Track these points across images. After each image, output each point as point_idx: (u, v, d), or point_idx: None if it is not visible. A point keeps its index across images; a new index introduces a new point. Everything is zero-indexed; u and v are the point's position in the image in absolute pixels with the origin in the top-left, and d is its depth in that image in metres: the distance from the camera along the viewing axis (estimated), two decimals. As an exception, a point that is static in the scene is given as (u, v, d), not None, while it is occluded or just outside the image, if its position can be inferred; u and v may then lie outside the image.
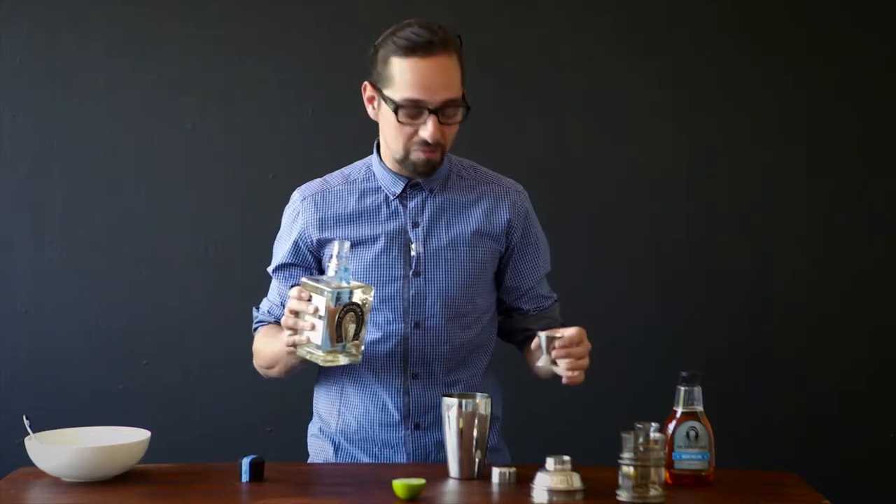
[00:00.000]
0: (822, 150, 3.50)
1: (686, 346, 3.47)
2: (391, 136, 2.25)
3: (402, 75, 2.17)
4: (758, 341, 3.50)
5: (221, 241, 3.46)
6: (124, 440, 2.10)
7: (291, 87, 3.46)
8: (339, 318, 2.02)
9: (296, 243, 2.33)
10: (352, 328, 2.04)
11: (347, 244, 2.07)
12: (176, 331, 3.45)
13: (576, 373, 2.12)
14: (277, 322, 2.34)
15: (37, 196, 3.44)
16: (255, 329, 2.41)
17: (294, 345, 2.07)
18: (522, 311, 2.37)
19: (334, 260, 2.06)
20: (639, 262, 3.49)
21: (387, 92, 2.20)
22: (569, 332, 2.10)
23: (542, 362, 2.12)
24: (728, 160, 3.50)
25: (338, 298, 2.02)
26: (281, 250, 2.36)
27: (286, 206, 2.40)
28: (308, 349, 2.06)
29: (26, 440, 2.07)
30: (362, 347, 2.08)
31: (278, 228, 2.41)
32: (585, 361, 2.12)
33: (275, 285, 2.39)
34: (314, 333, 2.04)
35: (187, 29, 3.45)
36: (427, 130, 2.19)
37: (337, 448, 2.36)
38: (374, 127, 3.42)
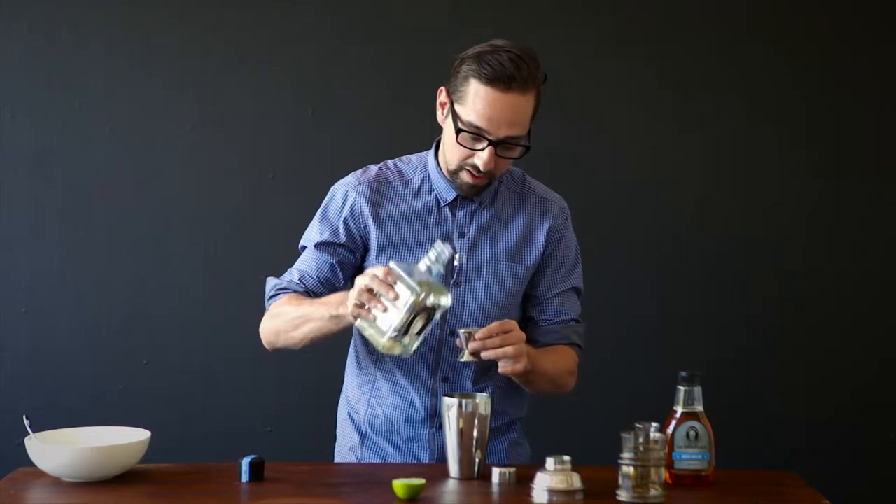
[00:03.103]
0: (823, 150, 3.50)
1: (686, 346, 3.47)
2: (449, 147, 2.27)
3: (475, 100, 2.18)
4: (758, 341, 3.50)
5: (221, 241, 3.46)
6: (124, 440, 2.10)
7: (291, 87, 3.46)
8: (415, 314, 2.04)
9: (347, 224, 2.33)
10: (419, 325, 2.06)
11: (449, 251, 2.07)
12: (176, 331, 3.46)
13: (505, 362, 2.14)
14: (307, 292, 2.33)
15: (37, 196, 3.44)
16: (276, 295, 2.36)
17: (359, 317, 2.07)
18: (533, 321, 2.38)
19: (433, 254, 2.05)
20: (639, 263, 3.49)
21: (457, 107, 2.21)
22: (485, 328, 2.13)
23: (463, 358, 2.15)
24: (728, 160, 3.50)
25: (425, 298, 2.02)
26: (327, 227, 2.35)
27: (336, 185, 2.38)
28: (371, 329, 2.06)
29: (26, 440, 2.06)
30: (416, 345, 2.09)
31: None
32: (510, 349, 2.13)
33: (310, 257, 2.36)
34: (384, 317, 2.04)
35: (187, 29, 3.45)
36: (481, 159, 2.21)
37: (363, 438, 2.39)
38: (373, 127, 3.44)
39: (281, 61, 3.46)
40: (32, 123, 3.44)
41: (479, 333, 2.13)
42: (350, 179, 2.37)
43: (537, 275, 2.38)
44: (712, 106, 3.49)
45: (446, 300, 2.07)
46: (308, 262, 2.36)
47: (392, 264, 2.06)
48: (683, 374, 2.06)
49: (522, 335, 2.17)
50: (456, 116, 2.21)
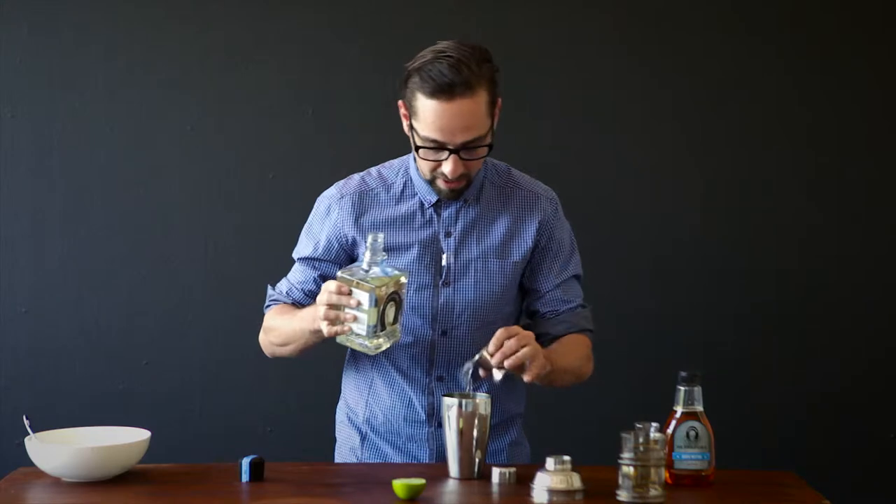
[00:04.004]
0: (823, 150, 3.50)
1: (686, 346, 3.47)
2: (417, 160, 2.27)
3: (425, 114, 2.18)
4: (758, 341, 3.50)
5: (221, 241, 3.46)
6: (124, 440, 2.10)
7: (291, 87, 3.46)
8: (383, 308, 2.07)
9: (329, 239, 2.34)
10: (392, 313, 2.10)
11: (381, 236, 2.10)
12: (176, 331, 3.46)
13: (528, 368, 2.12)
14: (294, 304, 2.37)
15: (37, 196, 3.44)
16: (268, 306, 2.41)
17: (336, 334, 2.11)
18: (540, 314, 2.37)
19: (369, 253, 2.09)
20: (638, 263, 3.49)
21: (413, 122, 2.22)
22: (492, 340, 2.12)
23: (498, 377, 2.13)
24: (728, 160, 3.50)
25: (384, 290, 2.06)
26: (311, 241, 2.37)
27: (321, 197, 2.38)
28: (351, 339, 2.11)
29: (26, 440, 2.07)
30: (400, 326, 2.13)
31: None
32: (527, 350, 2.11)
33: (297, 270, 2.39)
34: (357, 325, 2.08)
35: (187, 29, 3.45)
36: (448, 167, 2.21)
37: (363, 438, 2.40)
38: (372, 127, 3.44)
39: (281, 61, 3.46)
40: (32, 123, 3.44)
41: (490, 347, 2.11)
42: (333, 192, 2.37)
43: (535, 268, 2.37)
44: (712, 105, 3.49)
45: (404, 279, 2.11)
46: (296, 275, 2.39)
47: (339, 273, 2.10)
48: (683, 374, 2.07)
49: (529, 333, 2.16)
50: (414, 131, 2.22)
